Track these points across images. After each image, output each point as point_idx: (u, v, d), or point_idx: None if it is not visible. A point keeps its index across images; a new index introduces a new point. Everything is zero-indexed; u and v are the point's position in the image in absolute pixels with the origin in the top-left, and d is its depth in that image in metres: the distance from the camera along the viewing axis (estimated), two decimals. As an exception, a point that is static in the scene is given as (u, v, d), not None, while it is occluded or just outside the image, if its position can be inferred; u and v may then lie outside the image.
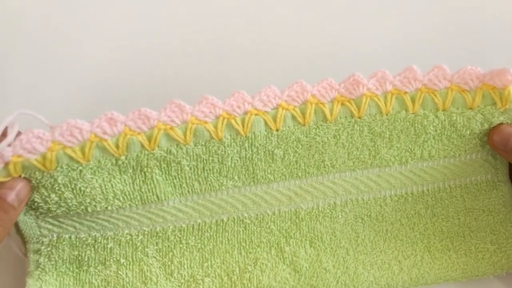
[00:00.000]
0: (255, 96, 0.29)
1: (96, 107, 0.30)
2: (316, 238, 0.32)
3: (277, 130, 0.30)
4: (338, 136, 0.30)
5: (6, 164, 0.26)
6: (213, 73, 0.39)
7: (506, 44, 0.40)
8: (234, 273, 0.32)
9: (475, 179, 0.33)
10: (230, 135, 0.29)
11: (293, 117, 0.30)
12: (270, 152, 0.30)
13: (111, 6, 0.40)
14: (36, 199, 0.28)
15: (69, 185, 0.28)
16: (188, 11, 0.40)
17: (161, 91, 0.37)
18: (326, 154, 0.31)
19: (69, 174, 0.28)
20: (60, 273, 0.31)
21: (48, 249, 0.30)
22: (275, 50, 0.40)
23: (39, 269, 0.31)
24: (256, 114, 0.29)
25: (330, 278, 0.32)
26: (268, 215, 0.32)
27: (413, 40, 0.40)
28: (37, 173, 0.27)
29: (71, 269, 0.31)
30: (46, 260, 0.31)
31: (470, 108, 0.30)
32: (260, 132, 0.29)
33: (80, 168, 0.28)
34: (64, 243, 0.30)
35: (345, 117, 0.30)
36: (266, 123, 0.29)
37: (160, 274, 0.31)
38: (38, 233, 0.30)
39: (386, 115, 0.30)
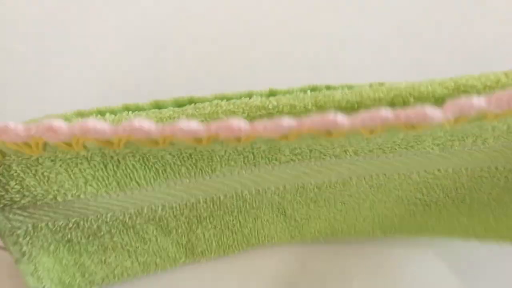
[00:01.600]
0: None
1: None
2: (321, 199, 0.30)
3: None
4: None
5: None
6: (216, 72, 0.38)
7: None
8: (235, 226, 0.30)
9: None
10: None
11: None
12: (277, 149, 0.26)
13: (112, 4, 0.39)
14: None
15: (28, 171, 0.23)
16: (190, 9, 0.40)
17: (161, 89, 0.36)
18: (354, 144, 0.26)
19: (23, 162, 0.23)
20: (51, 250, 0.28)
21: (27, 238, 0.27)
22: (277, 49, 0.39)
23: (27, 256, 0.27)
24: None
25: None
26: (271, 190, 0.28)
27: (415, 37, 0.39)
28: None
29: (61, 244, 0.28)
30: (30, 247, 0.27)
31: None
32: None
33: (34, 157, 0.23)
34: (42, 231, 0.27)
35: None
36: None
37: (158, 234, 0.29)
38: (9, 226, 0.26)
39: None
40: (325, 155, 0.26)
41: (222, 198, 0.28)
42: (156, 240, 0.29)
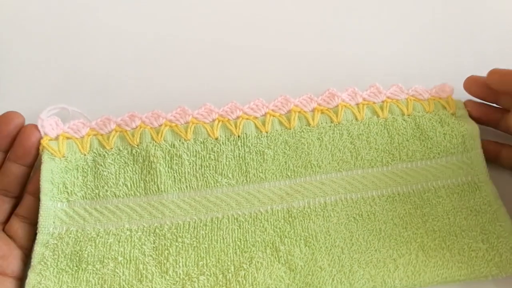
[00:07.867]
0: (245, 105, 0.35)
1: (95, 106, 0.35)
2: (310, 237, 0.33)
3: (266, 132, 0.35)
4: (321, 138, 0.35)
5: (57, 136, 0.33)
6: (216, 78, 0.40)
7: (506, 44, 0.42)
8: (229, 271, 0.32)
9: (456, 181, 0.35)
10: (225, 135, 0.34)
11: (280, 122, 0.35)
12: (261, 152, 0.34)
13: (112, 5, 0.41)
14: (66, 181, 0.33)
15: (94, 168, 0.33)
16: (189, 12, 0.42)
17: (157, 93, 0.39)
18: (312, 155, 0.35)
19: (96, 159, 0.33)
20: (60, 270, 0.32)
21: (55, 242, 0.32)
22: (277, 54, 0.41)
23: (42, 263, 0.32)
24: (247, 119, 0.35)
25: (326, 276, 0.32)
26: (261, 213, 0.34)
27: (414, 45, 0.42)
28: (76, 154, 0.33)
29: (70, 266, 0.32)
30: (50, 253, 0.32)
31: (428, 112, 0.36)
32: (251, 132, 0.34)
33: (105, 154, 0.33)
34: (70, 236, 0.32)
35: (326, 122, 0.35)
36: (256, 126, 0.35)
37: (155, 272, 0.32)
38: (52, 223, 0.33)
39: (361, 120, 0.35)
40: (297, 167, 0.35)
41: (220, 217, 0.34)
42: (152, 279, 0.32)
